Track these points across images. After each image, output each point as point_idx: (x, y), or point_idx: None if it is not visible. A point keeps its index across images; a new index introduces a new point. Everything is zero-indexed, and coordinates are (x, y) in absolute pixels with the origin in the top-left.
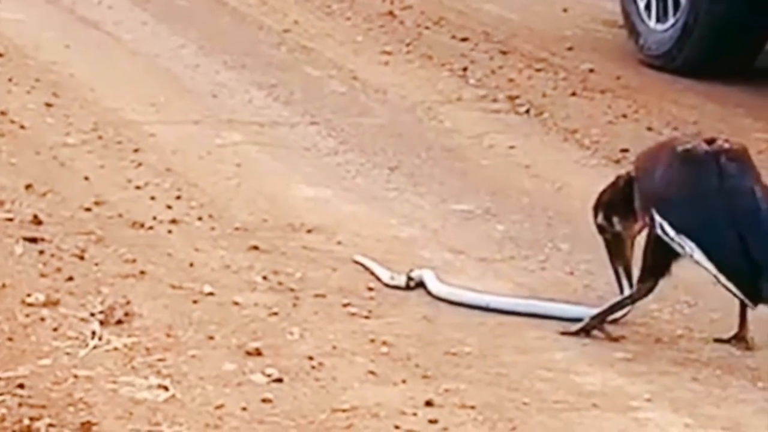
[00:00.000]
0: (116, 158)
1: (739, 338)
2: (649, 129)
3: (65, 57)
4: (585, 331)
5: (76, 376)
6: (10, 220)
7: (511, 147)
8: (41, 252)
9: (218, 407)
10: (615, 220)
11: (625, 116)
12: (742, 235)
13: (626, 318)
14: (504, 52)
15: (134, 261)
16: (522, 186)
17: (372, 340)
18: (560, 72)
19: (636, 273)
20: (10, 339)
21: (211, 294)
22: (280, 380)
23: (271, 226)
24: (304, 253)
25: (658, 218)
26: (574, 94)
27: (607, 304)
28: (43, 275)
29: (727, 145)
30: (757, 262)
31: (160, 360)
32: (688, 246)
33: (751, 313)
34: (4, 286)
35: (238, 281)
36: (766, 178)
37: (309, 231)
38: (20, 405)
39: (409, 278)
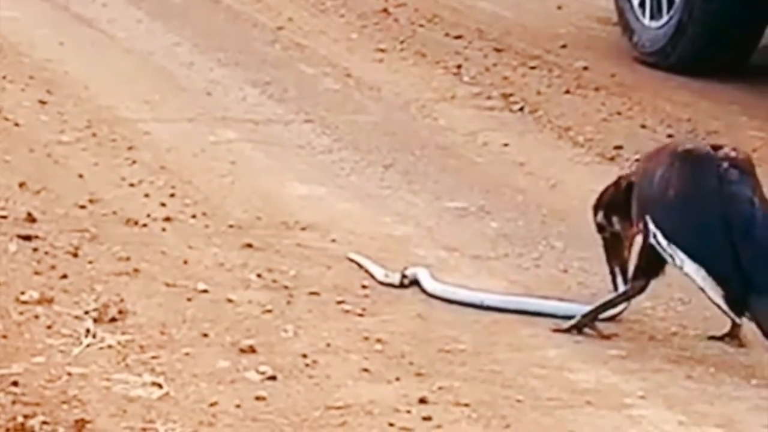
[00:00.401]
0: (110, 156)
1: (733, 336)
2: (643, 126)
3: (59, 54)
4: (577, 329)
5: (70, 374)
6: (4, 217)
7: (505, 145)
8: (35, 249)
9: (212, 405)
10: (615, 219)
11: (619, 113)
12: (734, 244)
13: (620, 315)
14: (498, 50)
15: (128, 259)
16: (516, 183)
17: (366, 338)
18: (554, 69)
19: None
20: (4, 336)
21: (205, 291)
22: (273, 378)
23: (265, 223)
24: (298, 250)
25: (651, 227)
26: (568, 91)
27: (599, 301)
28: (37, 273)
29: (732, 153)
30: (746, 272)
31: (154, 357)
32: (679, 258)
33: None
34: None
35: (232, 279)
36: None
37: (303, 228)
38: (14, 402)
39: (404, 276)
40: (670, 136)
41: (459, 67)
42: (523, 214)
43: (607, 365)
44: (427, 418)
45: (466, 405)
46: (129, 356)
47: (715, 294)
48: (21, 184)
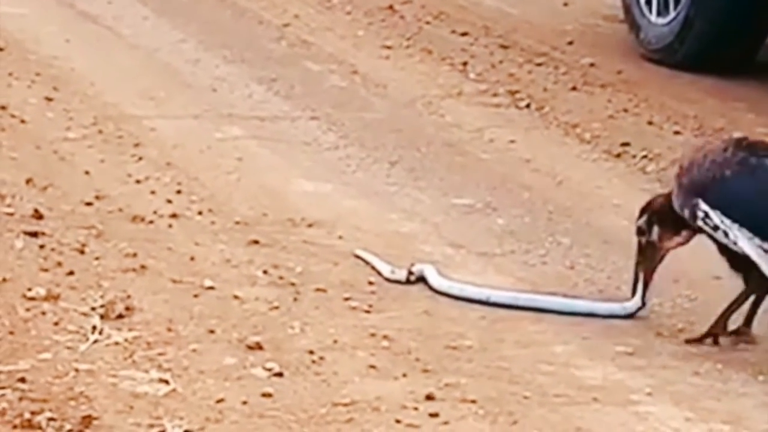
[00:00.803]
0: (116, 152)
1: (740, 332)
2: (650, 123)
3: (66, 51)
4: (712, 336)
5: (76, 370)
6: (11, 214)
7: (512, 141)
8: (42, 246)
9: (219, 401)
10: (654, 228)
11: (625, 110)
12: None
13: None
14: (504, 47)
15: (135, 255)
16: (522, 180)
17: (373, 335)
18: (561, 66)
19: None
20: (11, 333)
21: (211, 288)
22: (280, 374)
23: (271, 220)
24: (305, 247)
25: (703, 207)
26: (574, 88)
27: (725, 307)
28: (43, 269)
29: None
30: None
31: (160, 354)
32: (733, 234)
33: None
34: (4, 280)
35: (238, 275)
36: None
37: (309, 225)
38: (21, 399)
39: (410, 272)
40: (677, 133)
41: (465, 64)
42: (529, 211)
43: (614, 362)
44: (433, 415)
45: (473, 401)
46: (136, 353)
47: None
48: (27, 181)
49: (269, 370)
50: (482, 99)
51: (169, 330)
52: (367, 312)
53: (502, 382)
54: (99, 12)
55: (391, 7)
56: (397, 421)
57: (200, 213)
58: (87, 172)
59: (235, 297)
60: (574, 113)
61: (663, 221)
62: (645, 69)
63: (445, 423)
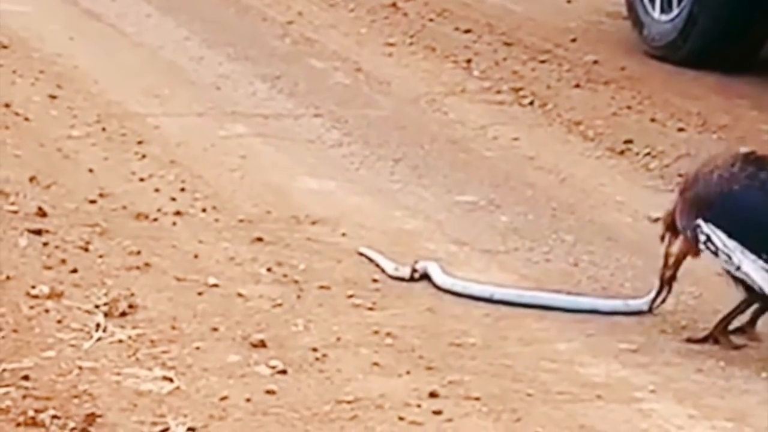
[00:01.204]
0: (120, 150)
1: (744, 331)
2: (653, 120)
3: (69, 49)
4: (713, 339)
5: (80, 368)
6: (15, 212)
7: (515, 138)
8: (45, 244)
9: (222, 399)
10: (666, 236)
11: (629, 107)
12: None
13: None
14: (508, 44)
15: (138, 253)
16: (526, 177)
17: (376, 332)
18: (564, 64)
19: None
20: (14, 331)
21: (215, 286)
22: (284, 372)
23: (275, 218)
24: (309, 244)
25: (705, 229)
26: (578, 85)
27: (725, 312)
28: (47, 267)
29: None
30: None
31: (164, 352)
32: (737, 257)
33: None
34: (8, 278)
35: (242, 273)
36: None
37: (313, 223)
38: (25, 397)
39: (414, 270)
40: (680, 130)
41: (469, 61)
42: (532, 208)
43: (618, 359)
44: (437, 412)
45: (477, 399)
46: (139, 350)
47: None
48: (31, 179)
49: (273, 367)
50: (486, 96)
51: (173, 328)
52: (371, 309)
53: (505, 379)
54: (102, 10)
55: (394, 4)
56: (401, 419)
57: (204, 210)
58: (91, 170)
59: (239, 294)
60: (578, 110)
61: (669, 226)
62: (648, 66)
63: (449, 420)
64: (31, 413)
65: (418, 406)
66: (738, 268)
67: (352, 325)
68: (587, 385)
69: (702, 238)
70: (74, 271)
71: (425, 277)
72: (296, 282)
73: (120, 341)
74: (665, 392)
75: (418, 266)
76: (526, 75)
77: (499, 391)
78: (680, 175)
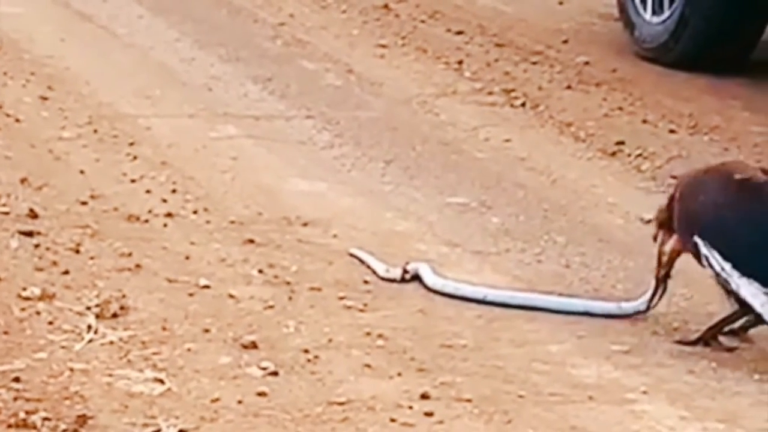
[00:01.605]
0: (111, 152)
1: (734, 332)
2: (645, 122)
3: (61, 51)
4: (704, 341)
5: (71, 370)
6: (6, 213)
7: (507, 140)
8: (37, 246)
9: (214, 400)
10: (659, 235)
11: (620, 109)
12: None
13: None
14: (499, 45)
15: (130, 254)
16: (517, 179)
17: (368, 333)
18: (556, 65)
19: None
20: (5, 332)
21: (206, 287)
22: (275, 373)
23: (266, 219)
24: (300, 246)
25: (704, 250)
26: (569, 87)
27: (719, 317)
28: (38, 269)
29: None
30: None
31: (155, 353)
32: (734, 283)
33: None
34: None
35: (233, 274)
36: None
37: (304, 224)
38: (16, 398)
39: (405, 271)
40: (672, 131)
41: (460, 62)
42: (524, 210)
43: (610, 360)
44: (428, 414)
45: (468, 400)
46: (131, 352)
47: None
48: (22, 180)
49: (264, 369)
50: (477, 98)
51: (164, 329)
52: (362, 311)
53: (497, 381)
54: (94, 11)
55: (386, 5)
56: (392, 420)
57: (195, 212)
58: (82, 172)
59: (230, 296)
60: (569, 112)
61: (662, 225)
62: (640, 67)
63: (440, 422)
64: (22, 415)
65: (410, 407)
66: (736, 293)
67: (344, 326)
68: (579, 387)
69: (702, 258)
70: (66, 272)
71: (417, 278)
72: (288, 283)
73: (111, 343)
74: (657, 393)
75: (410, 267)
76: (517, 76)
77: (491, 392)
78: (674, 177)
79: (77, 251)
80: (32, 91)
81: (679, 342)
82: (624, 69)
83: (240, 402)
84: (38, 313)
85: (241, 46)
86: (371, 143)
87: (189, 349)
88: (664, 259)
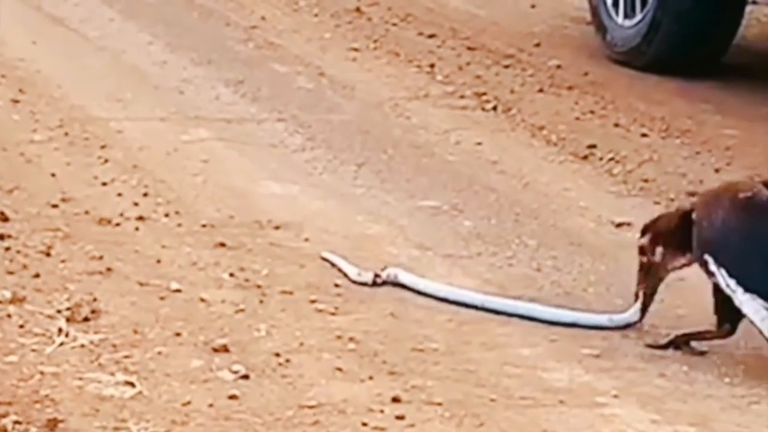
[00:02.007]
0: (83, 155)
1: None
2: (617, 125)
3: (32, 54)
4: (674, 345)
5: (42, 373)
6: None
7: (479, 143)
8: (7, 249)
9: (185, 404)
10: (658, 249)
11: (592, 112)
12: None
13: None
14: (471, 49)
15: (101, 258)
16: (489, 182)
17: (339, 337)
18: (528, 68)
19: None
20: None
21: (177, 291)
22: (246, 377)
23: (237, 222)
24: (271, 249)
25: (713, 267)
26: (541, 90)
27: (695, 329)
28: (9, 272)
29: None
30: None
31: (126, 357)
32: (738, 299)
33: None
34: None
35: (204, 278)
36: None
37: (276, 227)
38: None
39: (376, 275)
40: (644, 135)
41: (432, 66)
42: (496, 213)
43: (581, 364)
44: (400, 417)
45: (439, 404)
46: (102, 355)
47: None
48: None
49: (235, 372)
50: (449, 101)
51: (135, 332)
52: (334, 314)
53: (468, 384)
54: (66, 14)
55: (358, 9)
56: (364, 424)
57: (167, 215)
58: (53, 175)
59: (202, 299)
60: (541, 115)
61: (668, 242)
62: (612, 71)
63: (411, 425)
64: None
65: (381, 411)
66: (739, 307)
67: (315, 330)
68: (550, 390)
69: (712, 272)
70: (36, 275)
71: (393, 283)
72: (259, 287)
73: (82, 346)
74: (628, 397)
75: (388, 273)
76: (489, 80)
77: (462, 396)
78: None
79: (48, 254)
80: (3, 94)
81: (650, 346)
82: (596, 72)
83: (211, 405)
84: (9, 316)
85: (212, 49)
86: (343, 146)
87: (160, 353)
88: (661, 272)
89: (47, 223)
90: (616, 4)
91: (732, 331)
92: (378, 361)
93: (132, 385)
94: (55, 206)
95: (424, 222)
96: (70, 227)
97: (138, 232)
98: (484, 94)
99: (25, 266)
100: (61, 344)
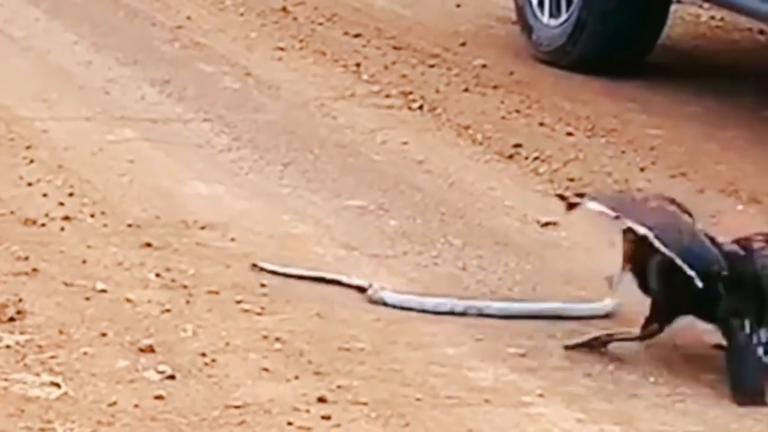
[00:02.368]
0: (8, 155)
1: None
2: (542, 124)
3: None
4: (589, 347)
5: None
6: None
7: (404, 143)
8: None
9: (111, 404)
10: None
11: (518, 111)
12: None
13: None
14: (397, 48)
15: (26, 258)
16: (415, 182)
17: (265, 337)
18: (453, 68)
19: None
20: None
21: (103, 291)
22: (172, 377)
23: (163, 222)
24: (197, 249)
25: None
26: (467, 89)
27: (616, 329)
28: None
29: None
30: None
31: (52, 357)
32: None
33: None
34: None
35: (130, 278)
36: (660, 173)
37: (202, 228)
38: None
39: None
40: (569, 134)
41: (358, 65)
42: (421, 212)
43: (506, 363)
44: (326, 417)
45: (365, 404)
46: (27, 356)
47: None
48: None
49: (161, 372)
50: (375, 100)
51: (61, 333)
52: (260, 314)
53: (394, 384)
54: None
55: (284, 8)
56: (289, 424)
57: (92, 216)
58: None
59: (127, 300)
60: (467, 114)
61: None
62: (537, 70)
63: (337, 425)
64: None
65: (307, 411)
66: None
67: (241, 330)
68: (475, 390)
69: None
70: None
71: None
72: (185, 287)
73: (8, 347)
74: (553, 396)
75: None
76: (415, 79)
77: (388, 395)
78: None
79: None
80: None
81: (571, 347)
82: (521, 72)
83: (137, 406)
84: None
85: (138, 49)
86: (269, 146)
87: (86, 353)
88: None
89: None
90: (541, 3)
91: (659, 331)
92: (304, 361)
93: (57, 385)
94: None
95: (350, 221)
96: None
97: (63, 232)
98: (410, 93)
99: None
100: None
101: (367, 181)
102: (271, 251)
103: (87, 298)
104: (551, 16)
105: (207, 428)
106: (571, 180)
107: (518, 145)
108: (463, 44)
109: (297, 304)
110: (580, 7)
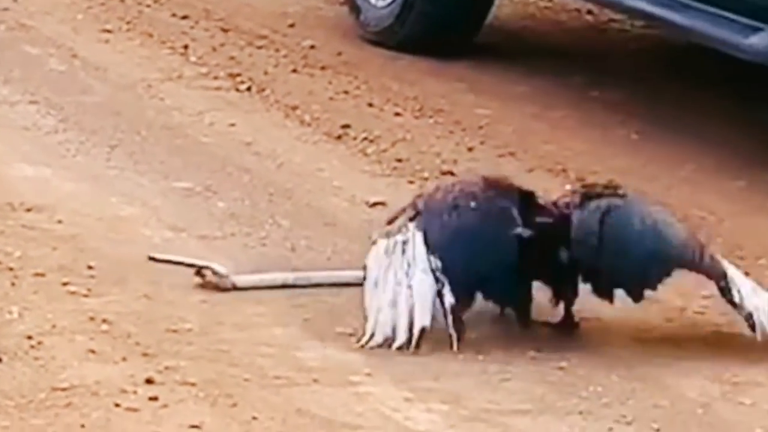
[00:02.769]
0: None
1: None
2: (370, 105)
3: None
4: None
5: None
6: None
7: (232, 124)
8: None
9: None
10: None
11: (346, 92)
12: None
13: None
14: (225, 30)
15: None
16: (243, 163)
17: (92, 318)
18: (281, 49)
19: None
20: None
21: None
22: None
23: None
24: (24, 231)
25: None
26: (295, 70)
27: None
28: None
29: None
30: None
31: None
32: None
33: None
34: None
35: None
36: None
37: (28, 210)
38: None
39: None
40: (397, 114)
41: (186, 47)
42: (249, 194)
43: (334, 343)
44: (153, 398)
45: (193, 384)
46: None
47: None
48: None
49: None
50: (203, 82)
51: None
52: (86, 296)
53: (221, 364)
54: None
55: None
56: (117, 405)
57: None
58: None
59: None
60: (295, 95)
61: None
62: (365, 51)
63: (165, 406)
64: None
65: (134, 392)
66: None
67: (68, 312)
68: (303, 369)
69: None
70: None
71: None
72: (11, 269)
73: None
74: (381, 375)
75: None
76: (243, 61)
77: (216, 376)
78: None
79: None
80: None
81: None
82: (349, 53)
83: None
84: None
85: None
86: (96, 128)
87: None
88: None
89: None
90: None
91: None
92: (131, 342)
93: None
94: None
95: (177, 203)
96: None
97: None
98: (238, 75)
99: None
100: None
101: (194, 163)
102: (99, 233)
103: None
104: None
105: (33, 410)
106: (399, 161)
107: (346, 126)
108: (291, 25)
109: (124, 285)
110: None
